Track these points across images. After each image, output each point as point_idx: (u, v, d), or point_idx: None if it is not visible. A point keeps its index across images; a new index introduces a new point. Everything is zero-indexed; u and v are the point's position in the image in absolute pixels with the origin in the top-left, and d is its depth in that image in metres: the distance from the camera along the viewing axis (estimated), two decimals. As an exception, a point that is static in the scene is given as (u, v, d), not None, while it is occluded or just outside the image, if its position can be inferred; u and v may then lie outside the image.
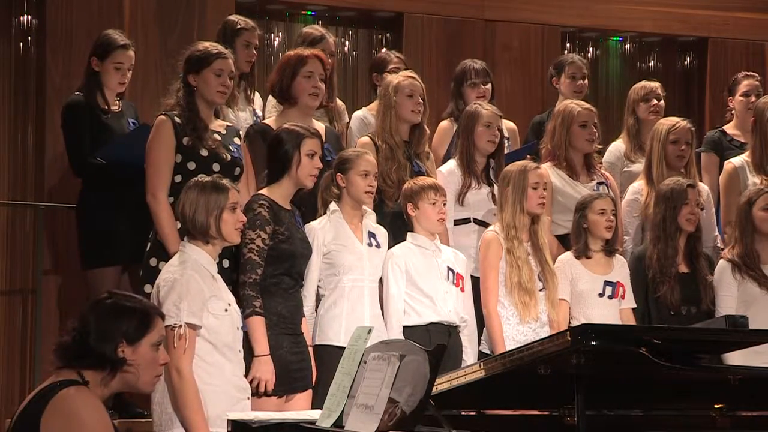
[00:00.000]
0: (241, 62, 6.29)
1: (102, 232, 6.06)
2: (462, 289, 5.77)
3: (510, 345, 5.58)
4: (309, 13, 8.28)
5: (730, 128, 7.34)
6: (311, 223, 5.53)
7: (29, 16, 7.35)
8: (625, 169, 7.01)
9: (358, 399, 3.58)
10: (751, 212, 6.13)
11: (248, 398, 4.79)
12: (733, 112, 7.44)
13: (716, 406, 4.03)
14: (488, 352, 5.73)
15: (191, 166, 5.33)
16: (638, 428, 4.04)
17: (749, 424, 4.10)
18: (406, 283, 5.63)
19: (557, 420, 3.85)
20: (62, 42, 7.16)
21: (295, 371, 5.17)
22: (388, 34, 8.47)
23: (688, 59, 9.30)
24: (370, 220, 5.66)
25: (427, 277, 5.66)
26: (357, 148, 5.89)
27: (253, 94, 6.71)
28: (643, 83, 7.31)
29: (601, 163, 6.73)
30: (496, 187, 6.15)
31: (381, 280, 5.63)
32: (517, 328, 5.77)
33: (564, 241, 6.33)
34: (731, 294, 6.06)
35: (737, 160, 6.80)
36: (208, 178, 4.83)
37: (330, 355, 5.23)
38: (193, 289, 4.57)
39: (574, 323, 5.89)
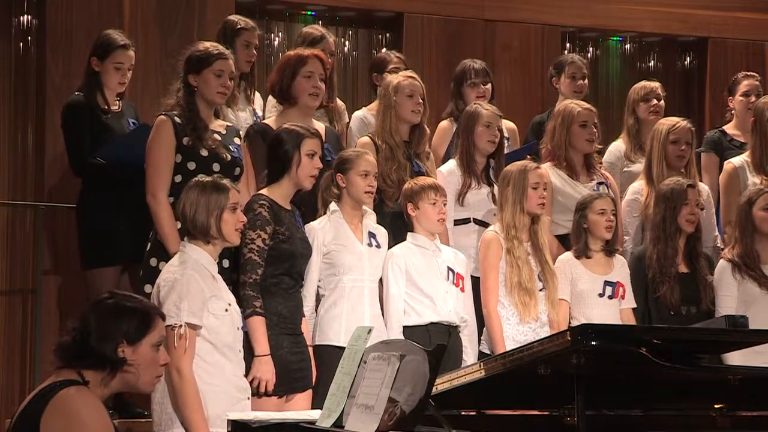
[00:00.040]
0: (241, 62, 6.29)
1: (102, 232, 6.06)
2: (462, 289, 5.77)
3: (510, 345, 5.58)
4: (309, 13, 8.28)
5: (730, 128, 7.34)
6: (311, 223, 5.53)
7: (29, 16, 7.35)
8: (625, 169, 7.01)
9: (358, 399, 3.58)
10: (751, 212, 6.13)
11: (248, 398, 4.79)
12: (733, 112, 7.44)
13: (716, 406, 4.03)
14: (488, 352, 5.73)
15: (191, 166, 5.33)
16: (638, 428, 4.04)
17: (749, 424, 4.10)
18: (406, 283, 5.64)
19: (557, 420, 3.85)
20: (62, 42, 7.16)
21: (295, 371, 5.17)
22: (388, 34, 8.47)
23: (688, 59, 9.30)
24: (370, 220, 5.66)
25: (427, 277, 5.66)
26: (357, 148, 5.89)
27: (253, 94, 6.71)
28: (643, 83, 7.31)
29: (601, 163, 6.73)
30: (496, 187, 6.15)
31: (381, 280, 5.63)
32: (517, 328, 5.77)
33: (564, 241, 6.33)
34: (731, 294, 6.06)
35: (737, 160, 6.80)
36: (209, 178, 4.83)
37: (330, 355, 5.23)
38: (193, 289, 4.57)
39: (574, 323, 5.89)
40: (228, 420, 4.07)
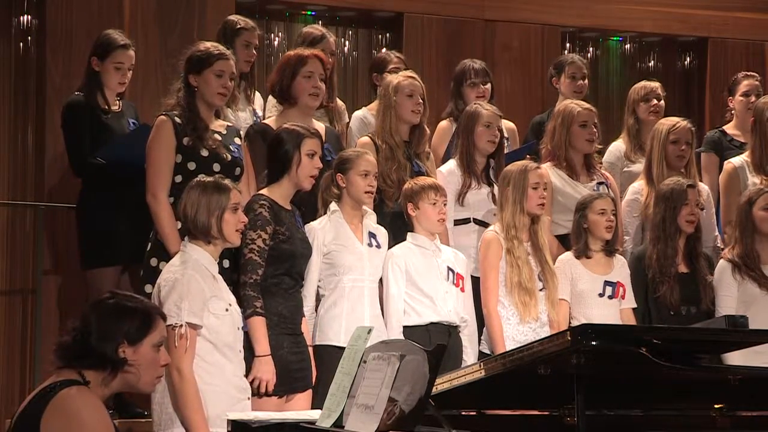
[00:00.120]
0: (240, 62, 6.29)
1: (102, 232, 6.06)
2: (462, 289, 5.77)
3: (510, 345, 5.58)
4: (309, 13, 8.28)
5: (730, 128, 7.34)
6: (311, 223, 5.53)
7: (29, 16, 7.35)
8: (625, 169, 7.01)
9: (358, 399, 3.59)
10: (751, 212, 6.13)
11: (248, 398, 4.79)
12: (733, 112, 7.44)
13: (716, 406, 4.03)
14: (488, 352, 5.73)
15: (191, 166, 5.33)
16: (638, 428, 4.04)
17: (749, 424, 4.10)
18: (406, 283, 5.64)
19: (557, 420, 3.85)
20: (62, 42, 7.16)
21: (295, 371, 5.17)
22: (388, 34, 8.47)
23: (688, 59, 9.30)
24: (371, 220, 5.66)
25: (427, 277, 5.66)
26: (357, 148, 5.89)
27: (254, 94, 6.71)
28: (643, 83, 7.31)
29: (601, 163, 6.73)
30: (496, 187, 6.16)
31: (381, 280, 5.63)
32: (517, 328, 5.77)
33: (564, 241, 6.33)
34: (731, 294, 6.06)
35: (737, 160, 6.80)
36: (210, 179, 4.83)
37: (330, 355, 5.23)
38: (194, 288, 4.57)
39: (574, 323, 5.89)
40: (228, 420, 4.07)
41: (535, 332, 5.73)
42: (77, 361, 3.55)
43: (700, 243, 6.24)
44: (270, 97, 6.36)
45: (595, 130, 6.49)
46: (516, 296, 5.78)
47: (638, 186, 6.62)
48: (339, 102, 6.73)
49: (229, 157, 5.44)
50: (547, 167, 6.34)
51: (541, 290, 5.85)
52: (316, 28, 7.05)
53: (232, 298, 4.82)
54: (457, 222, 6.22)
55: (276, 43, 8.22)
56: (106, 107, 6.21)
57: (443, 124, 6.98)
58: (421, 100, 6.14)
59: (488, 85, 6.94)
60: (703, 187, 6.67)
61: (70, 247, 6.62)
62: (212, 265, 4.72)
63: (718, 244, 6.70)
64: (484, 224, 6.18)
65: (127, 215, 5.95)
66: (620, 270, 6.10)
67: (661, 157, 6.53)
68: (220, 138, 5.47)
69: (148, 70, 7.21)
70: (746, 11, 9.11)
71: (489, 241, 5.89)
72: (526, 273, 5.80)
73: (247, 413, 4.35)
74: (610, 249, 6.09)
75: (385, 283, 5.62)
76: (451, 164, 6.31)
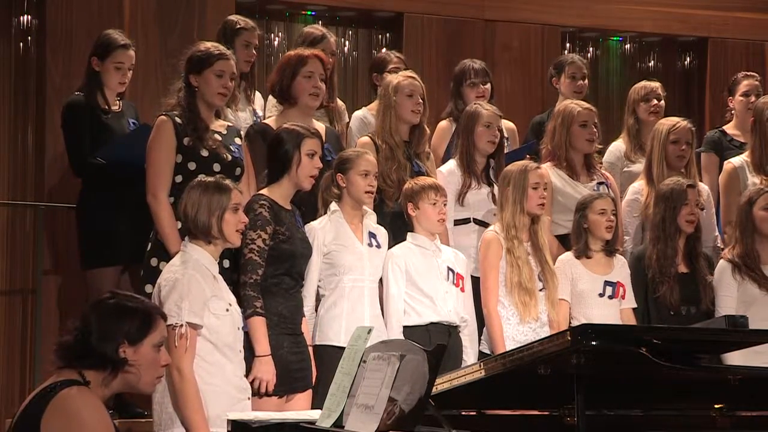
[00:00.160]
0: (240, 62, 6.29)
1: (102, 232, 6.06)
2: (462, 289, 5.77)
3: (510, 345, 5.58)
4: (309, 13, 8.28)
5: (730, 128, 7.34)
6: (311, 223, 5.53)
7: (29, 16, 7.35)
8: (625, 169, 7.01)
9: (358, 399, 3.59)
10: (751, 212, 6.13)
11: (248, 398, 4.80)
12: (733, 112, 7.44)
13: (716, 406, 4.03)
14: (488, 352, 5.73)
15: (192, 166, 5.33)
16: (638, 428, 4.04)
17: (749, 424, 4.10)
18: (406, 283, 5.64)
19: (557, 420, 3.85)
20: (62, 42, 7.16)
21: (295, 371, 5.17)
22: (388, 34, 8.47)
23: (688, 59, 9.30)
24: (371, 220, 5.66)
25: (427, 277, 5.66)
26: (357, 148, 5.89)
27: (254, 94, 6.71)
28: (643, 83, 7.31)
29: (601, 163, 6.73)
30: (496, 187, 6.16)
31: (381, 280, 5.63)
32: (517, 328, 5.77)
33: (564, 241, 6.33)
34: (731, 294, 6.06)
35: (737, 160, 6.80)
36: (211, 179, 4.83)
37: (330, 355, 5.22)
38: (194, 288, 4.57)
39: (574, 323, 5.89)
40: (228, 420, 4.07)
41: (535, 332, 5.73)
42: (77, 361, 3.55)
43: (700, 243, 6.24)
44: (270, 97, 6.36)
45: (595, 130, 6.49)
46: (516, 296, 5.78)
47: (638, 186, 6.62)
48: (339, 102, 6.73)
49: (230, 158, 5.44)
50: (547, 167, 6.34)
51: (541, 290, 5.85)
52: (317, 28, 7.05)
53: (233, 298, 4.82)
54: (457, 222, 6.22)
55: (276, 43, 8.22)
56: (106, 107, 6.21)
57: (443, 124, 6.98)
58: (421, 100, 6.14)
59: (488, 85, 6.94)
60: (703, 187, 6.67)
61: (70, 247, 6.62)
62: (213, 265, 4.72)
63: (718, 244, 6.70)
64: (484, 224, 6.18)
65: (127, 215, 5.95)
66: (620, 270, 6.10)
67: (662, 157, 6.52)
68: (220, 138, 5.47)
69: (148, 70, 7.22)
70: (746, 11, 9.11)
71: (489, 241, 5.89)
72: (526, 273, 5.80)
73: (247, 413, 4.35)
74: (610, 249, 6.09)
75: (385, 283, 5.62)
76: (451, 164, 6.31)
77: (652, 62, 9.25)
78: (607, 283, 6.03)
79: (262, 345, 5.02)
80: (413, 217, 5.73)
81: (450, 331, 5.66)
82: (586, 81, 7.38)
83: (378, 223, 5.71)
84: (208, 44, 5.62)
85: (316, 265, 5.45)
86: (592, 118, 6.50)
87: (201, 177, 4.90)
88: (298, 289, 5.32)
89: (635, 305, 6.09)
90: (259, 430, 3.86)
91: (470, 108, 6.38)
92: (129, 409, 5.95)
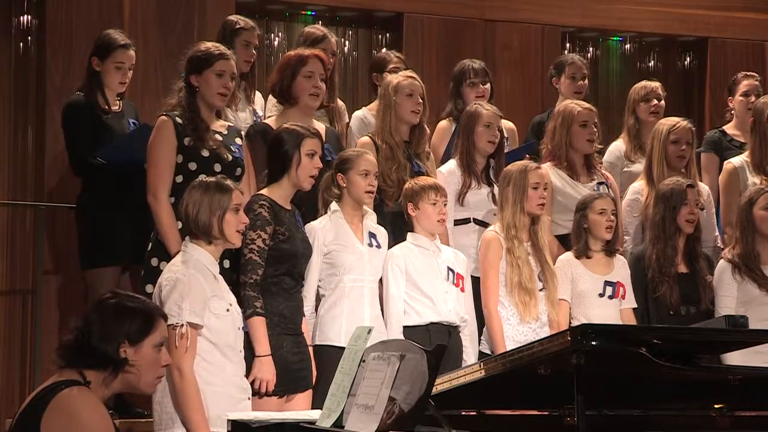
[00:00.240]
0: (240, 62, 6.28)
1: (102, 232, 6.06)
2: (462, 289, 5.77)
3: (510, 345, 5.58)
4: (309, 13, 8.28)
5: (730, 128, 7.34)
6: (312, 223, 5.53)
7: (29, 16, 7.35)
8: (625, 169, 7.01)
9: (358, 399, 3.58)
10: (751, 212, 6.13)
11: (249, 398, 4.79)
12: (733, 112, 7.44)
13: (716, 406, 4.03)
14: (488, 352, 5.73)
15: (192, 166, 5.33)
16: (638, 428, 4.04)
17: (749, 424, 4.10)
18: (406, 283, 5.64)
19: (557, 420, 3.85)
20: (62, 42, 7.16)
21: (295, 371, 5.17)
22: (388, 34, 8.47)
23: (688, 59, 9.30)
24: (371, 220, 5.66)
25: (427, 277, 5.66)
26: (357, 148, 5.89)
27: (254, 94, 6.71)
28: (643, 83, 7.30)
29: (601, 163, 6.73)
30: (496, 187, 6.16)
31: (381, 280, 5.62)
32: (518, 328, 5.77)
33: (564, 241, 6.33)
34: (731, 294, 6.06)
35: (737, 160, 6.80)
36: (213, 179, 4.83)
37: (330, 356, 5.22)
38: (195, 288, 4.57)
39: (575, 323, 5.89)
40: (228, 420, 4.07)
41: (535, 332, 5.73)
42: (78, 361, 3.56)
43: (699, 243, 6.24)
44: (270, 97, 6.36)
45: (595, 130, 6.49)
46: (516, 296, 5.78)
47: (638, 186, 6.62)
48: (339, 102, 6.73)
49: (230, 158, 5.43)
50: (547, 167, 6.34)
51: (541, 290, 5.85)
52: (318, 28, 7.04)
53: (233, 298, 4.82)
54: (457, 222, 6.22)
55: (276, 43, 8.22)
56: (107, 107, 6.21)
57: (443, 123, 6.98)
58: (421, 100, 6.14)
59: (487, 85, 6.94)
60: (703, 187, 6.67)
61: (70, 247, 6.62)
62: (213, 265, 4.72)
63: (718, 244, 6.70)
64: (484, 224, 6.18)
65: (127, 215, 5.95)
66: (620, 270, 6.10)
67: (662, 157, 6.52)
68: (221, 138, 5.47)
69: (148, 70, 7.22)
70: (746, 11, 9.11)
71: (489, 241, 5.89)
72: (526, 273, 5.80)
73: (247, 413, 4.35)
74: (610, 249, 6.09)
75: (385, 284, 5.62)
76: (451, 164, 6.31)
77: (652, 62, 9.25)
78: (607, 283, 6.03)
79: (262, 345, 5.02)
80: (413, 217, 5.73)
81: (450, 331, 5.66)
82: (586, 81, 7.38)
83: (378, 223, 5.71)
84: (209, 44, 5.62)
85: (317, 265, 5.45)
86: (592, 118, 6.50)
87: (202, 177, 4.90)
88: (299, 289, 5.32)
89: (635, 305, 6.09)
90: (259, 430, 3.86)
91: (470, 108, 6.38)
92: (129, 409, 5.95)
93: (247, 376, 4.86)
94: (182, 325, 4.51)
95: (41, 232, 6.89)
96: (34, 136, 7.23)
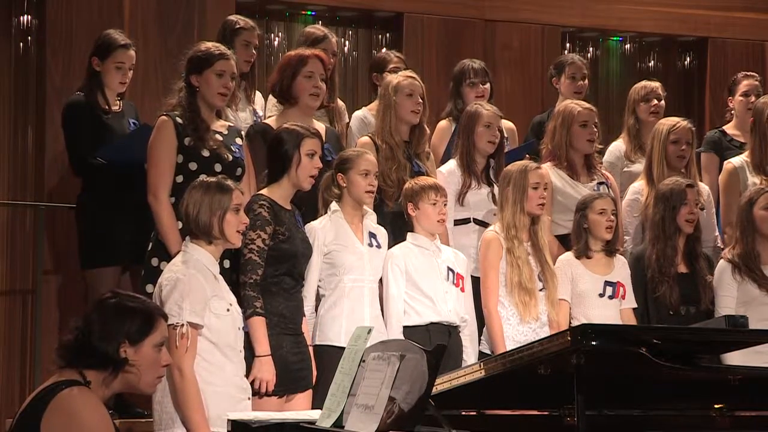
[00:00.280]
0: (240, 62, 6.28)
1: (102, 232, 6.06)
2: (462, 289, 5.77)
3: (510, 345, 5.58)
4: (309, 13, 8.28)
5: (730, 128, 7.35)
6: (312, 222, 5.53)
7: (29, 16, 7.35)
8: (626, 169, 7.01)
9: (358, 399, 3.59)
10: (751, 212, 6.13)
11: (249, 398, 4.79)
12: (732, 112, 7.44)
13: (716, 406, 4.03)
14: (488, 352, 5.73)
15: (193, 166, 5.33)
16: (638, 428, 4.04)
17: (749, 424, 4.10)
18: (406, 283, 5.64)
19: (557, 420, 3.85)
20: (62, 42, 7.16)
21: (295, 371, 5.17)
22: (388, 34, 8.47)
23: (688, 59, 9.30)
24: (371, 220, 5.66)
25: (427, 277, 5.66)
26: (357, 148, 5.89)
27: (254, 94, 6.71)
28: (643, 83, 7.30)
29: (601, 163, 6.73)
30: (496, 187, 6.16)
31: (381, 280, 5.62)
32: (518, 328, 5.77)
33: (564, 241, 6.33)
34: (731, 294, 6.06)
35: (737, 160, 6.80)
36: (213, 179, 4.83)
37: (330, 356, 5.22)
38: (195, 288, 4.58)
39: (575, 323, 5.89)
40: (228, 420, 4.07)
41: (535, 332, 5.73)
42: (78, 361, 3.56)
43: (699, 243, 6.23)
44: (270, 97, 6.36)
45: (595, 130, 6.49)
46: (516, 296, 5.78)
47: (638, 186, 6.62)
48: (339, 102, 6.73)
49: (231, 158, 5.44)
50: (547, 167, 6.34)
51: (541, 290, 5.85)
52: (318, 28, 7.04)
53: (233, 298, 4.82)
54: (457, 222, 6.22)
55: (276, 43, 8.22)
56: (107, 107, 6.21)
57: (443, 123, 6.98)
58: (420, 100, 6.14)
59: (487, 85, 6.94)
60: (703, 187, 6.67)
61: (70, 247, 6.62)
62: (213, 265, 4.73)
63: (718, 244, 6.70)
64: (484, 224, 6.18)
65: (128, 215, 5.95)
66: (620, 270, 6.09)
67: (662, 157, 6.52)
68: (221, 138, 5.47)
69: (148, 69, 7.22)
70: (746, 11, 9.11)
71: (489, 241, 5.89)
72: (526, 273, 5.80)
73: (247, 413, 4.35)
74: (610, 249, 6.09)
75: (385, 284, 5.62)
76: (451, 164, 6.31)
77: (652, 62, 9.25)
78: (607, 283, 6.03)
79: (262, 345, 5.02)
80: (413, 217, 5.73)
81: (450, 331, 5.66)
82: (586, 81, 7.38)
83: (378, 223, 5.71)
84: (209, 44, 5.62)
85: (317, 265, 5.45)
86: (593, 118, 6.50)
87: (203, 177, 4.90)
88: (299, 289, 5.32)
89: (635, 305, 6.09)
90: (259, 430, 3.86)
91: (470, 108, 6.38)
92: (129, 409, 5.95)
93: (247, 376, 4.86)
94: (182, 325, 4.51)
95: (41, 232, 6.89)
96: (34, 136, 7.23)
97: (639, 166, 6.81)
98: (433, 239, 5.76)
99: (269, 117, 6.23)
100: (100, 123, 6.16)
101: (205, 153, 5.37)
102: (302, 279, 5.35)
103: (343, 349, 3.98)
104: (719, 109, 8.27)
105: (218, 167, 5.34)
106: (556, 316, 5.87)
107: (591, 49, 9.06)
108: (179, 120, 5.37)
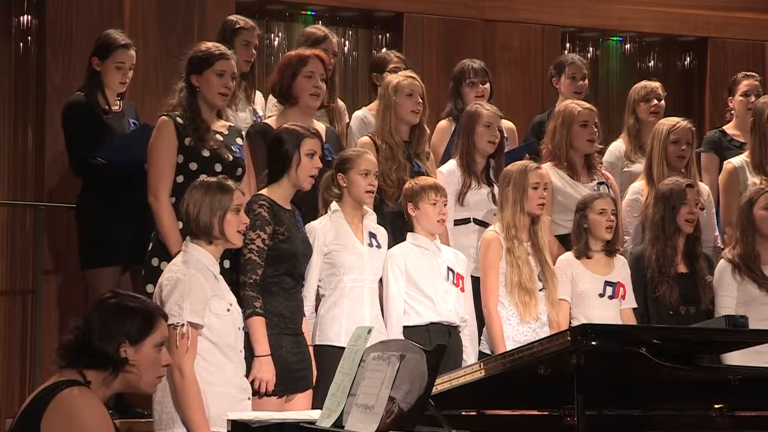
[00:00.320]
0: (240, 62, 6.28)
1: (102, 232, 6.07)
2: (462, 289, 5.77)
3: (510, 345, 5.58)
4: (309, 13, 8.28)
5: (730, 128, 7.35)
6: (312, 222, 5.53)
7: (29, 16, 7.35)
8: (626, 169, 7.01)
9: (358, 399, 3.59)
10: (751, 212, 6.13)
11: (249, 398, 4.80)
12: (732, 112, 7.44)
13: (716, 406, 4.03)
14: (488, 352, 5.73)
15: (193, 166, 5.33)
16: (638, 428, 4.04)
17: (749, 424, 4.10)
18: (406, 283, 5.64)
19: (557, 420, 3.85)
20: (62, 42, 7.16)
21: (295, 371, 5.17)
22: (388, 34, 8.47)
23: (688, 59, 9.30)
24: (371, 220, 5.66)
25: (427, 277, 5.66)
26: (357, 148, 5.89)
27: (254, 94, 6.71)
28: (643, 83, 7.30)
29: (601, 163, 6.73)
30: (496, 187, 6.16)
31: (381, 280, 5.62)
32: (518, 328, 5.77)
33: (564, 241, 6.33)
34: (731, 294, 6.06)
35: (737, 160, 6.80)
36: (214, 179, 4.83)
37: (330, 356, 5.22)
38: (195, 288, 4.58)
39: (575, 323, 5.89)
40: (228, 420, 4.07)
41: (535, 332, 5.73)
42: (78, 361, 3.56)
43: (699, 243, 6.23)
44: (270, 97, 6.37)
45: (595, 130, 6.49)
46: (516, 296, 5.78)
47: (638, 186, 6.62)
48: (339, 102, 6.73)
49: (231, 158, 5.44)
50: (547, 167, 6.34)
51: (541, 290, 5.85)
52: (319, 28, 7.04)
53: (233, 298, 4.82)
54: (457, 222, 6.22)
55: (276, 43, 8.22)
56: (107, 107, 6.21)
57: (443, 123, 6.98)
58: (420, 100, 6.14)
59: (487, 85, 6.94)
60: (703, 187, 6.67)
61: (70, 247, 6.62)
62: (214, 265, 4.73)
63: (718, 244, 6.70)
64: (484, 224, 6.18)
65: (127, 215, 5.95)
66: (621, 270, 6.09)
67: (662, 157, 6.52)
68: (221, 138, 5.47)
69: (149, 70, 7.22)
70: (746, 11, 9.11)
71: (489, 241, 5.89)
72: (526, 273, 5.80)
73: (247, 413, 4.35)
74: (610, 249, 6.09)
75: (385, 284, 5.62)
76: (451, 164, 6.31)
77: (652, 62, 9.25)
78: (607, 283, 6.03)
79: (262, 345, 5.02)
80: (413, 217, 5.73)
81: (450, 331, 5.66)
82: (587, 81, 7.38)
83: (378, 223, 5.71)
84: (209, 44, 5.63)
85: (317, 265, 5.45)
86: (593, 118, 6.50)
87: (203, 177, 4.90)
88: (299, 289, 5.32)
89: (635, 305, 6.09)
90: (259, 430, 3.86)
91: (470, 108, 6.38)
92: (129, 409, 5.95)
93: (247, 376, 4.86)
94: (183, 325, 4.51)
95: (41, 232, 6.89)
96: (34, 136, 7.23)
97: (639, 166, 6.81)
98: (433, 239, 5.76)
99: (269, 117, 6.23)
100: (100, 123, 6.16)
101: (206, 153, 5.37)
102: (302, 279, 5.35)
103: (343, 349, 3.98)
104: (719, 109, 8.27)
105: (218, 167, 5.34)
106: (556, 316, 5.87)
107: (591, 49, 9.06)
108: (179, 120, 5.38)
